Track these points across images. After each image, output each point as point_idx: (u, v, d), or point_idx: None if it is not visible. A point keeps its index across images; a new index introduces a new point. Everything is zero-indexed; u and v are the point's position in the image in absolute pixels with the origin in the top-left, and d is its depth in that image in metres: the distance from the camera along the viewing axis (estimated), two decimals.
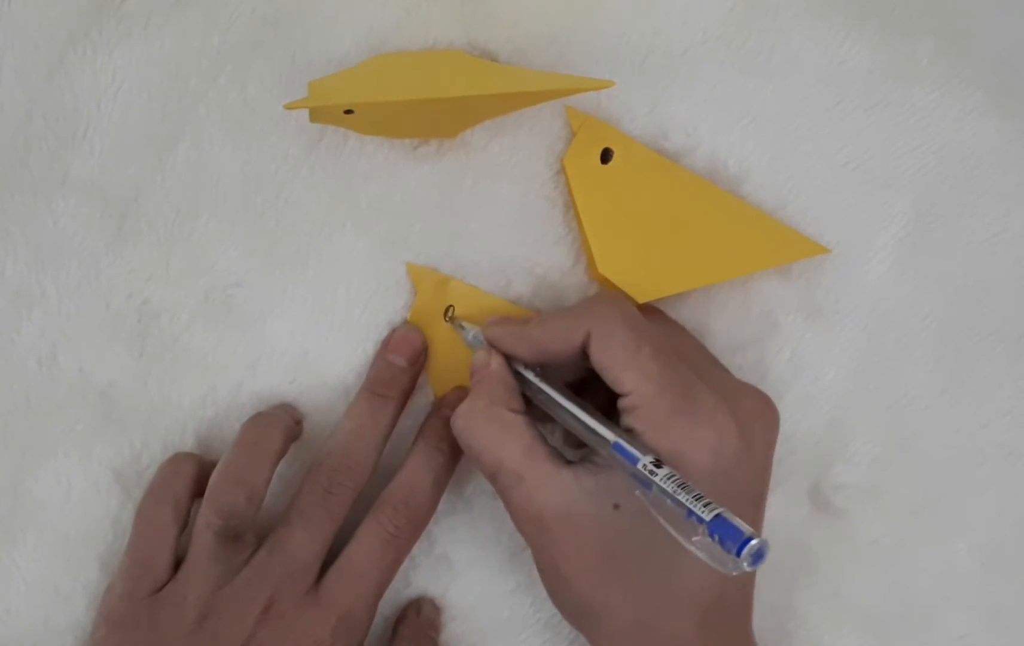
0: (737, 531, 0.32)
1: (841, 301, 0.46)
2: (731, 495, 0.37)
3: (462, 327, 0.44)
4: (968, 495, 0.47)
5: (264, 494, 0.42)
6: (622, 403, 0.39)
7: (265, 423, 0.43)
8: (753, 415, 0.40)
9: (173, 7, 0.43)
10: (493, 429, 0.40)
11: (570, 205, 0.45)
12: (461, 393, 0.43)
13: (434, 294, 0.44)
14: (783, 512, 0.45)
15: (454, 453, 0.43)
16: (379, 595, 0.42)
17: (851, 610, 0.47)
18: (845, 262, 0.46)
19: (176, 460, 0.43)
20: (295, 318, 0.44)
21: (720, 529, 0.32)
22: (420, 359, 0.44)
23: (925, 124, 0.46)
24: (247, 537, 0.41)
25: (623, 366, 0.39)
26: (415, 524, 0.42)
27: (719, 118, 0.45)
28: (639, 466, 0.36)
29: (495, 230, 0.45)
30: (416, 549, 0.44)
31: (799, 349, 0.46)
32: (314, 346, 0.45)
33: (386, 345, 0.44)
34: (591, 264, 0.44)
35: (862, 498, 0.47)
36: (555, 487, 0.39)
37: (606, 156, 0.44)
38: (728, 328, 0.45)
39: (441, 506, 0.45)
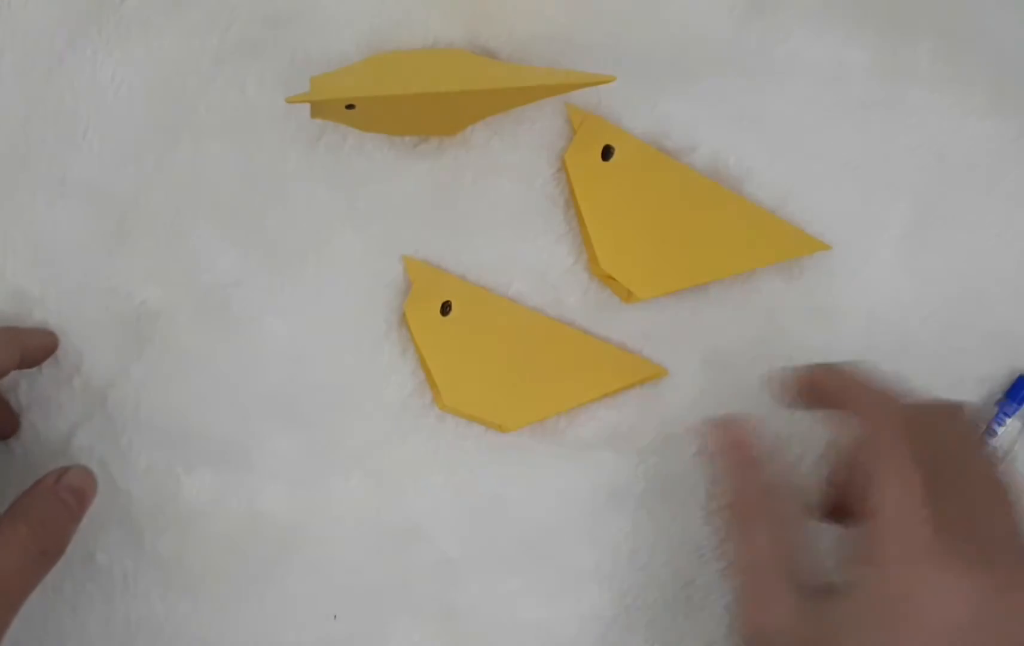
0: None
1: (841, 301, 0.46)
2: None
3: None
4: None
5: None
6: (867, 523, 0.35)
7: None
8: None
9: (173, 7, 0.44)
10: None
11: (571, 203, 0.45)
12: None
13: (430, 288, 0.44)
14: None
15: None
16: None
17: None
18: (845, 261, 0.46)
19: None
20: (294, 318, 0.44)
21: None
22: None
23: (925, 124, 0.46)
24: None
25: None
26: None
27: (719, 117, 0.45)
28: None
29: (495, 228, 0.45)
30: (416, 550, 0.45)
31: (799, 349, 0.46)
32: (313, 345, 0.44)
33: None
34: (592, 261, 0.44)
35: None
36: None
37: (607, 153, 0.44)
38: (729, 327, 0.45)
39: (441, 507, 0.45)
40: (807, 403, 0.41)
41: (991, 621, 0.33)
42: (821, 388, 0.40)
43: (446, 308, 0.44)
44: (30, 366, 0.43)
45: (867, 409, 0.37)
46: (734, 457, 0.39)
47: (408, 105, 0.40)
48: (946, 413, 0.37)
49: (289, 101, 0.39)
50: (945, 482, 0.35)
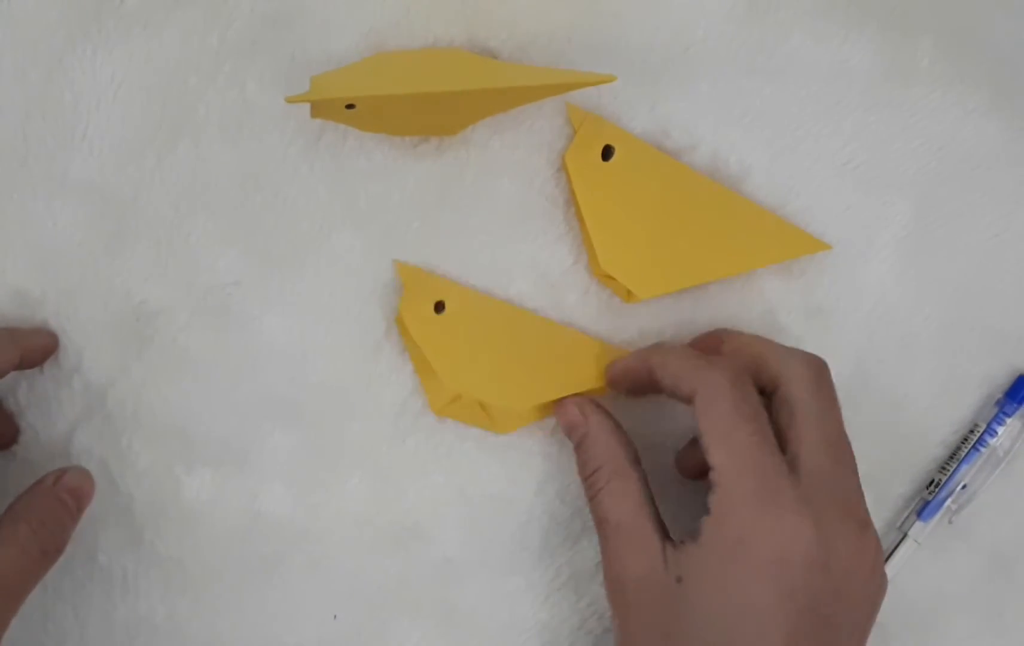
0: None
1: (841, 300, 0.46)
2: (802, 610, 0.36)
3: None
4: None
5: None
6: (709, 477, 0.39)
7: None
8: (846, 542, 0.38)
9: (173, 7, 0.43)
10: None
11: (571, 202, 0.45)
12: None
13: (422, 292, 0.44)
14: None
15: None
16: None
17: None
18: (845, 261, 0.46)
19: None
20: (293, 317, 0.44)
21: None
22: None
23: (925, 124, 0.46)
24: None
25: (717, 439, 0.38)
26: None
27: (720, 117, 0.45)
28: None
29: (495, 227, 0.45)
30: (416, 550, 0.44)
31: (799, 348, 0.46)
32: (312, 345, 0.44)
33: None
34: (592, 261, 0.44)
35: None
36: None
37: (607, 153, 0.44)
38: (729, 327, 0.45)
39: (441, 507, 0.45)
40: (634, 393, 0.44)
41: (837, 560, 0.37)
42: (635, 378, 0.43)
43: (439, 308, 0.44)
44: (30, 367, 0.43)
45: (688, 383, 0.40)
46: (596, 424, 0.42)
47: (408, 105, 0.40)
48: (797, 365, 0.41)
49: (289, 101, 0.39)
50: (793, 431, 0.39)
